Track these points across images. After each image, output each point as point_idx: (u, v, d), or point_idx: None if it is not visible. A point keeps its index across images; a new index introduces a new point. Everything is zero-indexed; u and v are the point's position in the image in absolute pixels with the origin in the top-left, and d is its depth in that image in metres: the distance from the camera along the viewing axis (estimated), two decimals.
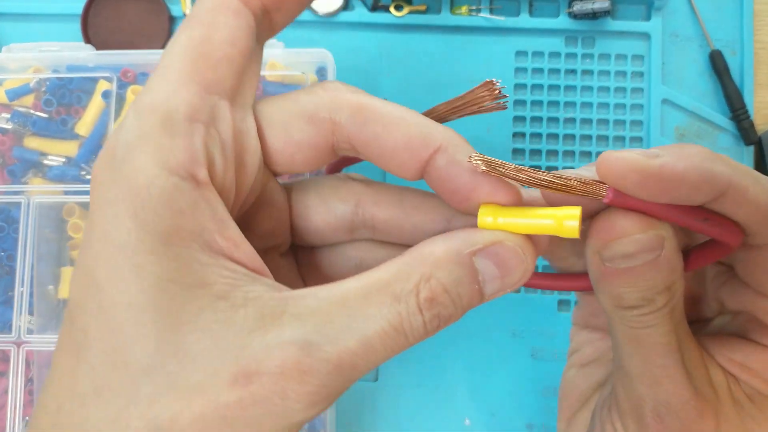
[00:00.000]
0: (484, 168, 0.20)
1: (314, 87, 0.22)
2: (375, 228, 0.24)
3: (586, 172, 0.22)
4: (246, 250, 0.19)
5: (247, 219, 0.23)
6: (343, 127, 0.21)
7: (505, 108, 0.23)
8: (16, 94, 0.43)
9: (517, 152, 0.48)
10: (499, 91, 0.22)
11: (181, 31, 0.20)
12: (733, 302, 0.25)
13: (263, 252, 0.22)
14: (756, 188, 0.21)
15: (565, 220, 0.20)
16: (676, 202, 0.20)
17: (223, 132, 0.20)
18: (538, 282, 0.27)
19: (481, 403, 0.46)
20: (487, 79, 0.22)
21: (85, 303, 0.18)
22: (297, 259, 0.25)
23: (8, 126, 0.43)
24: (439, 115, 0.24)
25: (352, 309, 0.18)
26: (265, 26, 0.22)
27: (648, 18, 0.49)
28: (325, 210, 0.24)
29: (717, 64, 0.48)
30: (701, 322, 0.27)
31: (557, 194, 0.20)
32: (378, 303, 0.18)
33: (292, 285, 0.23)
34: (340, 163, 0.27)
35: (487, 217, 0.21)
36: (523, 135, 0.48)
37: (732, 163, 0.21)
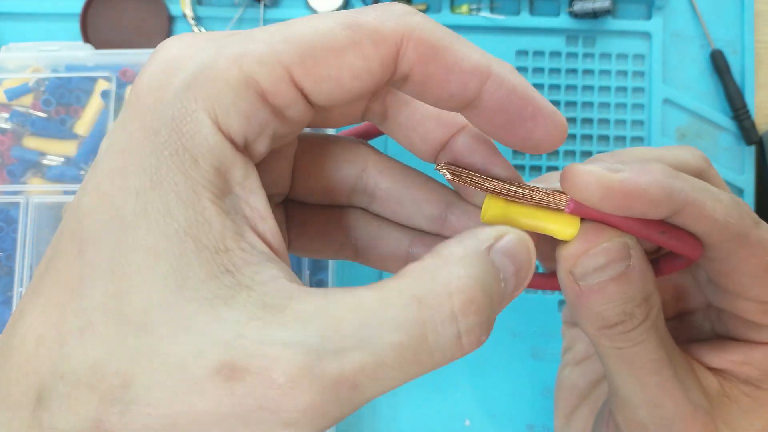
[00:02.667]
0: (449, 176, 0.20)
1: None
2: (374, 197, 0.24)
3: (553, 182, 0.22)
4: (270, 226, 0.18)
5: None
6: (388, 99, 0.21)
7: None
8: (15, 94, 0.43)
9: (517, 152, 0.48)
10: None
11: (324, 21, 0.18)
12: (716, 300, 0.25)
13: None
14: (713, 205, 0.21)
15: (566, 227, 0.21)
16: (637, 216, 0.21)
17: (288, 117, 0.19)
18: (539, 281, 0.27)
19: (481, 404, 0.46)
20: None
21: (102, 236, 0.17)
22: (287, 213, 0.25)
23: (7, 126, 0.43)
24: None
25: (365, 315, 0.16)
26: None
27: (649, 17, 0.49)
28: (331, 168, 0.23)
29: (718, 63, 0.48)
30: (688, 315, 0.28)
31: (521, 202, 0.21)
32: (396, 308, 0.16)
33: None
34: (362, 132, 0.27)
35: (490, 210, 0.21)
36: None
37: (691, 181, 0.21)
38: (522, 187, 0.21)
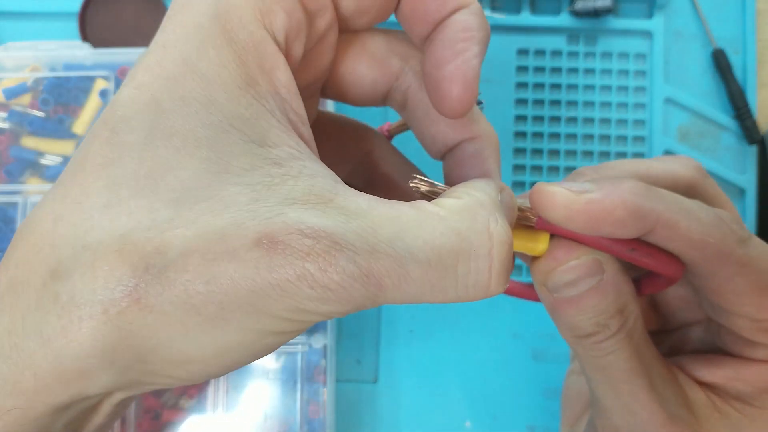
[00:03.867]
0: (424, 192, 0.20)
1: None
2: (406, 101, 0.23)
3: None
4: (309, 133, 0.19)
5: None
6: (410, 87, 0.22)
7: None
8: (13, 93, 0.43)
9: (518, 152, 0.48)
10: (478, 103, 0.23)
11: None
12: (712, 314, 0.25)
13: None
14: (688, 224, 0.21)
15: (538, 243, 0.22)
16: (605, 236, 0.21)
17: (317, 27, 0.19)
18: (520, 290, 0.27)
19: (481, 406, 0.46)
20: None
21: (137, 120, 0.16)
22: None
23: (5, 125, 0.43)
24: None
25: (403, 227, 0.17)
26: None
27: (650, 16, 0.49)
28: (373, 64, 0.23)
29: (720, 62, 0.48)
30: (691, 326, 0.28)
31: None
32: (435, 232, 0.17)
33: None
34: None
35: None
36: (524, 134, 0.48)
37: (666, 199, 0.21)
38: None
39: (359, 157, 0.24)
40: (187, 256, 0.15)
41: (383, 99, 0.23)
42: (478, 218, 0.17)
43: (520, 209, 0.21)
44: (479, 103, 0.23)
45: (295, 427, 0.42)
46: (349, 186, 0.24)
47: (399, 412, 0.46)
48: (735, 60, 0.48)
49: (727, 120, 0.48)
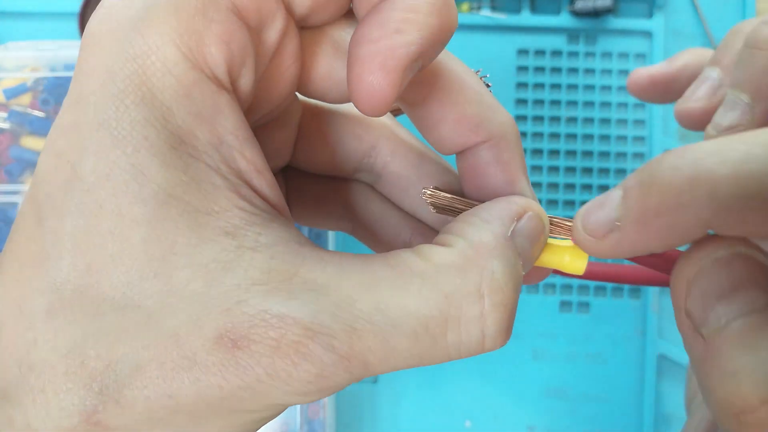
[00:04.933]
0: (433, 207, 0.18)
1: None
2: (380, 177, 0.21)
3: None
4: (268, 179, 0.16)
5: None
6: None
7: None
8: (13, 93, 0.43)
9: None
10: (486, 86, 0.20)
11: None
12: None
13: None
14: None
15: (577, 258, 0.18)
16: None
17: (268, 43, 0.16)
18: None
19: (482, 405, 0.46)
20: (476, 70, 0.20)
21: (62, 200, 0.14)
22: (287, 181, 0.23)
23: (5, 125, 0.43)
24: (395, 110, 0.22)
25: (381, 295, 0.15)
26: None
27: (650, 16, 0.49)
28: (337, 141, 0.21)
29: None
30: None
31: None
32: (418, 299, 0.15)
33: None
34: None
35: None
36: (524, 134, 0.48)
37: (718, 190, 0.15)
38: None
39: (363, 151, 0.21)
40: (143, 369, 0.14)
41: None
42: (469, 275, 0.15)
43: (558, 224, 0.18)
44: (487, 86, 0.19)
45: (295, 427, 0.42)
46: (359, 185, 0.22)
47: (399, 412, 0.46)
48: None
49: None
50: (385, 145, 0.21)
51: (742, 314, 0.15)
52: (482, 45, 0.49)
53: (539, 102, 0.48)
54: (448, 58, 0.18)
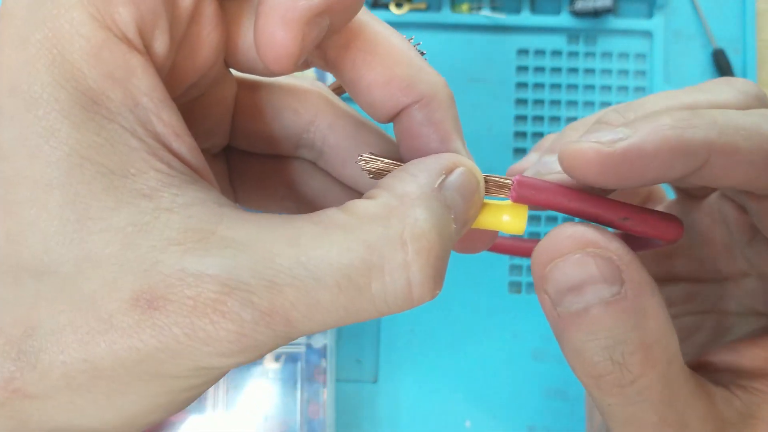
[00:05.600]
0: (374, 172, 0.18)
1: None
2: (322, 153, 0.21)
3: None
4: (188, 143, 0.16)
5: (185, 111, 0.19)
6: (323, 41, 0.17)
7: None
8: None
9: (518, 152, 0.48)
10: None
11: None
12: (761, 261, 0.21)
13: None
14: (749, 144, 0.17)
15: (515, 218, 0.18)
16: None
17: (182, 7, 0.16)
18: (510, 245, 0.23)
19: (482, 405, 0.46)
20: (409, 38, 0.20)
21: None
22: (229, 162, 0.23)
23: None
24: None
25: (303, 249, 0.14)
26: None
27: (650, 16, 0.49)
28: (275, 117, 0.21)
29: (720, 62, 0.48)
30: (729, 281, 0.24)
31: None
32: (340, 249, 0.15)
33: (221, 191, 0.20)
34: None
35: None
36: (524, 134, 0.48)
37: (719, 121, 0.18)
38: None
39: (301, 126, 0.21)
40: (59, 333, 0.14)
41: (304, 67, 0.20)
42: (392, 223, 0.15)
43: (494, 182, 0.18)
44: (421, 53, 0.19)
45: (295, 427, 0.42)
46: (301, 163, 0.21)
47: (399, 412, 0.46)
48: (735, 60, 0.48)
49: None
50: (323, 119, 0.21)
51: (587, 304, 0.17)
52: (482, 45, 0.49)
53: (539, 102, 0.48)
54: (375, 22, 0.18)
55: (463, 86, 0.48)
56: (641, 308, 0.17)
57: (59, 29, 0.14)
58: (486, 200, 0.18)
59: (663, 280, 0.26)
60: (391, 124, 0.20)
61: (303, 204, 0.23)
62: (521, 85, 0.48)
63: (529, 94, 0.48)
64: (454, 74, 0.48)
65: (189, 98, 0.19)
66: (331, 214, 0.15)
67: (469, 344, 0.46)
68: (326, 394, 0.42)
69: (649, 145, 0.17)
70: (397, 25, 0.48)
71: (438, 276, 0.15)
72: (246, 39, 0.18)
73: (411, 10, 0.48)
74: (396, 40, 0.18)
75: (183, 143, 0.16)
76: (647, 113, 0.20)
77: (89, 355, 0.14)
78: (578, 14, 0.48)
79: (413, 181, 0.16)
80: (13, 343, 0.14)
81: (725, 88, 0.21)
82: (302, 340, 0.42)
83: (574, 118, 0.48)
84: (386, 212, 0.15)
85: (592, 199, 0.18)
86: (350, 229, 0.15)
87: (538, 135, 0.48)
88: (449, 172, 0.17)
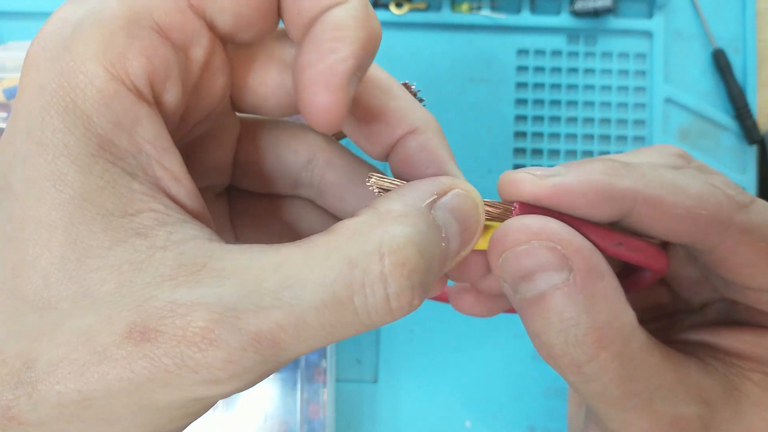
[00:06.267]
0: (380, 192, 0.18)
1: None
2: (320, 191, 0.22)
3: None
4: (187, 187, 0.17)
5: (189, 151, 0.20)
6: None
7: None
8: (13, 93, 0.43)
9: (518, 152, 0.48)
10: (415, 95, 0.20)
11: None
12: (724, 291, 0.23)
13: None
14: (675, 198, 0.19)
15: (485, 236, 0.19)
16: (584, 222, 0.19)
17: (193, 60, 0.17)
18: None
19: (482, 405, 0.46)
20: (404, 82, 0.21)
21: None
22: (230, 202, 0.23)
23: (5, 125, 0.43)
24: None
25: (288, 273, 0.15)
26: None
27: (650, 16, 0.49)
28: (275, 156, 0.22)
29: (720, 62, 0.48)
30: (711, 305, 0.25)
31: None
32: (323, 268, 0.15)
33: (222, 230, 0.21)
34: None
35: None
36: (524, 134, 0.48)
37: (646, 175, 0.19)
38: None
39: (300, 164, 0.22)
40: (56, 365, 0.14)
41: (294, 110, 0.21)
42: (371, 237, 0.16)
43: (492, 203, 0.19)
44: (421, 100, 0.20)
45: (295, 427, 0.42)
46: (299, 201, 0.23)
47: (399, 412, 0.46)
48: (735, 60, 0.48)
49: (727, 120, 0.48)
50: (321, 157, 0.22)
51: (539, 291, 0.18)
52: (482, 45, 0.49)
53: (539, 102, 0.48)
54: (373, 68, 0.20)
55: (463, 86, 0.48)
56: (590, 292, 0.18)
57: (74, 79, 0.15)
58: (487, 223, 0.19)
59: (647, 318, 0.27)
60: (387, 163, 0.21)
61: (322, 189, 0.23)
62: (521, 85, 0.48)
63: (529, 94, 0.48)
64: (454, 74, 0.48)
65: (194, 136, 0.20)
66: (315, 238, 0.16)
67: (469, 344, 0.46)
68: (326, 394, 0.42)
69: (577, 185, 0.19)
70: (397, 25, 0.48)
71: (416, 288, 0.16)
72: (250, 82, 0.19)
73: (411, 10, 0.48)
74: (384, 75, 0.19)
75: (182, 187, 0.17)
76: (583, 161, 0.21)
77: (83, 386, 0.14)
78: (578, 14, 0.48)
79: (399, 200, 0.17)
80: (13, 374, 0.15)
81: (651, 152, 0.23)
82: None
83: (574, 119, 0.48)
84: (367, 228, 0.16)
85: (588, 225, 0.19)
86: (332, 248, 0.16)
87: (538, 135, 0.48)
88: (443, 193, 0.18)
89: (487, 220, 0.19)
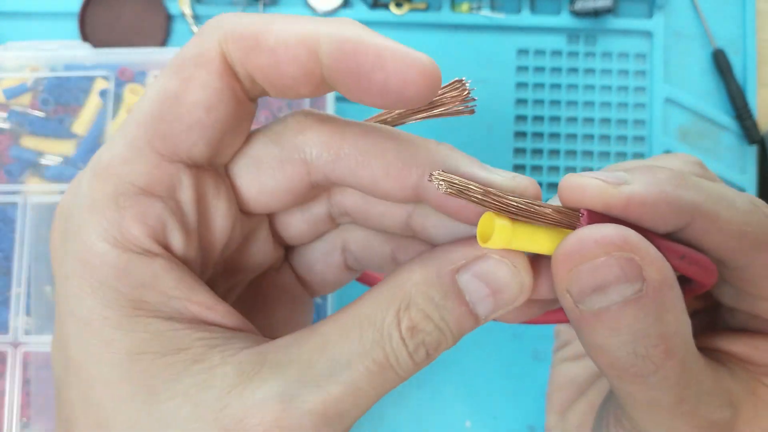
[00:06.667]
0: (448, 190, 0.17)
1: (279, 124, 0.20)
2: (349, 214, 0.23)
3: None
4: (221, 310, 0.19)
5: (236, 258, 0.22)
6: (315, 165, 0.19)
7: (472, 112, 0.20)
8: (13, 93, 0.43)
9: (518, 151, 0.48)
10: (468, 93, 0.19)
11: (157, 81, 0.19)
12: (732, 302, 0.24)
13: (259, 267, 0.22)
14: (728, 213, 0.19)
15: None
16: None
17: (184, 201, 0.19)
18: (557, 317, 0.23)
19: (482, 405, 0.46)
20: (456, 78, 0.20)
21: (67, 378, 0.18)
22: (288, 258, 0.25)
23: (5, 125, 0.43)
24: (397, 117, 0.22)
25: (333, 351, 0.17)
26: (259, 88, 0.19)
27: (650, 16, 0.49)
28: (303, 217, 0.23)
29: (720, 62, 0.48)
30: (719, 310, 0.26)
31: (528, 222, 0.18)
32: (360, 339, 0.17)
33: (292, 289, 0.22)
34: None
35: (499, 232, 0.18)
36: (524, 134, 0.48)
37: (705, 188, 0.19)
38: (530, 205, 0.18)
39: (325, 209, 0.23)
40: None
41: (314, 193, 0.21)
42: (390, 306, 0.18)
43: (557, 210, 0.18)
44: (472, 99, 0.20)
45: None
46: (343, 228, 0.24)
47: (399, 412, 0.46)
48: (735, 60, 0.48)
49: (727, 120, 0.48)
50: (335, 189, 0.22)
51: (610, 303, 0.18)
52: (482, 45, 0.48)
53: (539, 102, 0.48)
54: (355, 129, 0.20)
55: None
56: (661, 303, 0.18)
57: (91, 262, 0.17)
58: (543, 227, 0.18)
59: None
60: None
61: (358, 269, 0.25)
62: (521, 85, 0.48)
63: (529, 94, 0.48)
64: (454, 74, 0.48)
65: (231, 250, 0.21)
66: (347, 310, 0.18)
67: (468, 344, 0.46)
68: None
69: (650, 197, 0.18)
70: (397, 25, 0.48)
71: (430, 347, 0.18)
72: (247, 194, 0.20)
73: (411, 10, 0.48)
74: (376, 135, 0.19)
75: (216, 312, 0.19)
76: (639, 166, 0.20)
77: None
78: (578, 14, 0.48)
79: (421, 268, 0.18)
80: None
81: (674, 160, 0.23)
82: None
83: (574, 119, 0.48)
84: (388, 296, 0.18)
85: (653, 236, 0.19)
86: (363, 319, 0.18)
87: (538, 135, 0.48)
88: (472, 260, 0.18)
89: (550, 224, 0.18)
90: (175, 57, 0.19)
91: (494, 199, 0.17)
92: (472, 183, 0.17)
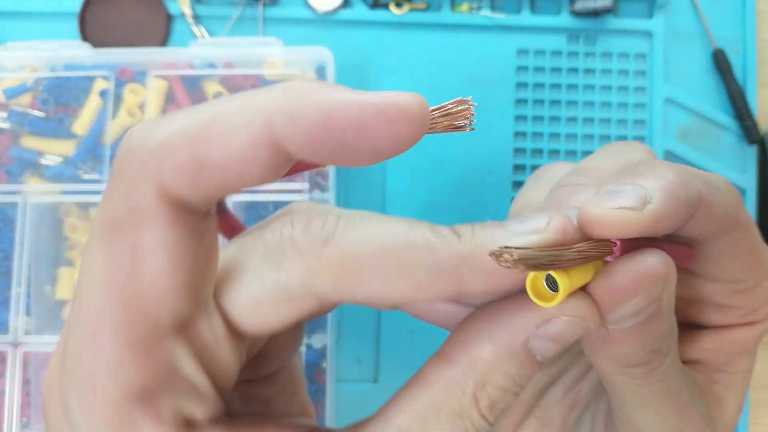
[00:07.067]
0: (518, 268, 0.16)
1: (279, 253, 0.17)
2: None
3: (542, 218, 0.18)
4: (222, 408, 0.18)
5: (253, 388, 0.22)
6: (330, 299, 0.17)
7: (472, 129, 0.18)
8: (13, 93, 0.43)
9: (518, 151, 0.48)
10: (470, 110, 0.18)
11: (99, 256, 0.16)
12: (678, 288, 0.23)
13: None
14: (719, 199, 0.19)
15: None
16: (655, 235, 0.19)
17: (189, 374, 0.17)
18: None
19: None
20: (460, 98, 0.18)
21: None
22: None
23: (5, 125, 0.43)
24: None
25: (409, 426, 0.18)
26: (216, 199, 0.17)
27: (650, 16, 0.49)
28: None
29: (720, 62, 0.48)
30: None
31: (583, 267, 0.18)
32: (442, 428, 0.18)
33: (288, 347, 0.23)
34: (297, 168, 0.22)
35: (564, 285, 0.17)
36: (524, 134, 0.48)
37: (702, 178, 0.19)
38: (580, 253, 0.17)
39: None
40: None
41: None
42: (466, 389, 0.18)
43: (591, 244, 0.18)
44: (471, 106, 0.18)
45: None
46: None
47: None
48: (735, 60, 0.48)
49: (727, 120, 0.48)
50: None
51: (638, 321, 0.18)
52: (482, 45, 0.49)
53: (539, 102, 0.48)
54: (370, 243, 0.18)
55: (463, 86, 0.48)
56: (670, 308, 0.19)
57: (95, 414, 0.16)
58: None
59: None
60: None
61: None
62: (521, 85, 0.48)
63: (529, 94, 0.48)
64: (454, 74, 0.48)
65: (265, 373, 0.22)
66: (420, 398, 0.19)
67: None
68: (326, 394, 0.42)
69: (671, 210, 0.18)
70: (397, 25, 0.48)
71: (501, 412, 0.18)
72: (247, 329, 0.18)
73: (411, 10, 0.48)
74: (396, 245, 0.18)
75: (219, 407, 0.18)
76: (644, 164, 0.20)
77: None
78: (578, 14, 0.48)
79: (490, 342, 0.18)
80: None
81: (638, 151, 0.23)
82: (303, 340, 0.42)
83: (574, 119, 0.48)
84: (461, 379, 0.18)
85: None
86: (440, 406, 0.18)
87: (538, 135, 0.48)
88: (544, 322, 0.18)
89: (585, 260, 0.18)
90: (101, 216, 0.16)
91: (555, 259, 0.16)
92: (538, 251, 0.16)
